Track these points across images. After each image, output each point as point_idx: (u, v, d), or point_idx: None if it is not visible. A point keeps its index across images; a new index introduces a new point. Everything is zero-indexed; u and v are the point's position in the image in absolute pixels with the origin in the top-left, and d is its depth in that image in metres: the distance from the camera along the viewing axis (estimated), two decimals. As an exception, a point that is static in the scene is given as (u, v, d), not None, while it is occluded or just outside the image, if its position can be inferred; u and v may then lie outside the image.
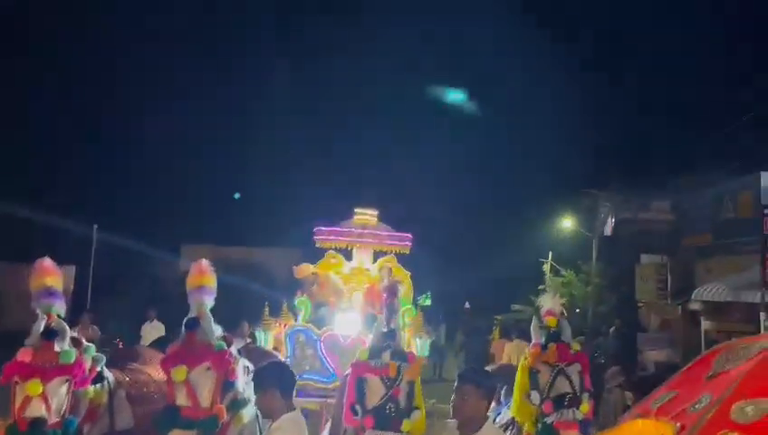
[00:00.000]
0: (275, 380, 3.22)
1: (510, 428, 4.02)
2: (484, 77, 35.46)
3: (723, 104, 18.30)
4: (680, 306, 14.39)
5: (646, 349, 13.40)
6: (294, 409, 3.23)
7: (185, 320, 3.59)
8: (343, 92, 34.44)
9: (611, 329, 14.91)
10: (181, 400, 3.26)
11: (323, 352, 5.90)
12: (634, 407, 2.31)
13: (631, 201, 17.02)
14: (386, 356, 3.48)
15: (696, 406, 2.20)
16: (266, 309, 6.41)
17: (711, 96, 20.99)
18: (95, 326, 10.23)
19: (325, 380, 5.78)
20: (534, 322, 3.88)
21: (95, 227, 18.36)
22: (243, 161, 29.11)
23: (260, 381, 3.24)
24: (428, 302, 7.36)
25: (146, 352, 4.65)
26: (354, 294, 6.82)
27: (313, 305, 6.60)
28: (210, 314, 3.64)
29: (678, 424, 2.16)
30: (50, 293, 3.49)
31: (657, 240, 16.13)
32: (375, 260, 7.17)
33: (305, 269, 6.95)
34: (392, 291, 3.83)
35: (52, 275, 3.55)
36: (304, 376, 5.83)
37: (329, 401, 5.27)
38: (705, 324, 12.90)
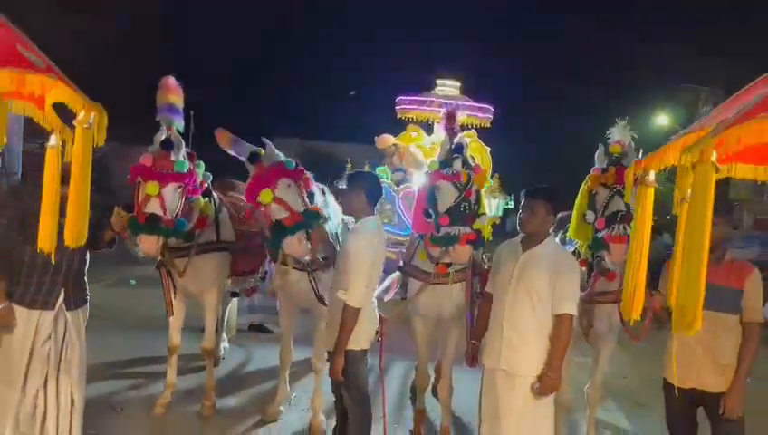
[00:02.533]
0: (366, 182, 3.47)
1: None
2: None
3: None
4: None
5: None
6: (376, 215, 3.50)
7: (246, 157, 3.74)
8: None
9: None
10: (279, 214, 3.54)
11: (401, 207, 6.27)
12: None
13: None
14: (457, 164, 3.83)
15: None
16: (348, 165, 6.77)
17: None
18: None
19: (402, 233, 6.17)
20: (600, 150, 3.96)
21: (192, 113, 19.29)
22: (327, 58, 29.12)
23: (353, 179, 3.49)
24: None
25: (240, 185, 5.15)
26: (433, 168, 7.01)
27: (392, 173, 6.87)
28: (271, 143, 3.79)
29: None
30: (171, 109, 3.89)
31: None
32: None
33: (386, 140, 7.11)
34: (451, 115, 4.08)
35: (175, 94, 3.93)
36: (383, 229, 6.22)
37: (404, 251, 5.60)
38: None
